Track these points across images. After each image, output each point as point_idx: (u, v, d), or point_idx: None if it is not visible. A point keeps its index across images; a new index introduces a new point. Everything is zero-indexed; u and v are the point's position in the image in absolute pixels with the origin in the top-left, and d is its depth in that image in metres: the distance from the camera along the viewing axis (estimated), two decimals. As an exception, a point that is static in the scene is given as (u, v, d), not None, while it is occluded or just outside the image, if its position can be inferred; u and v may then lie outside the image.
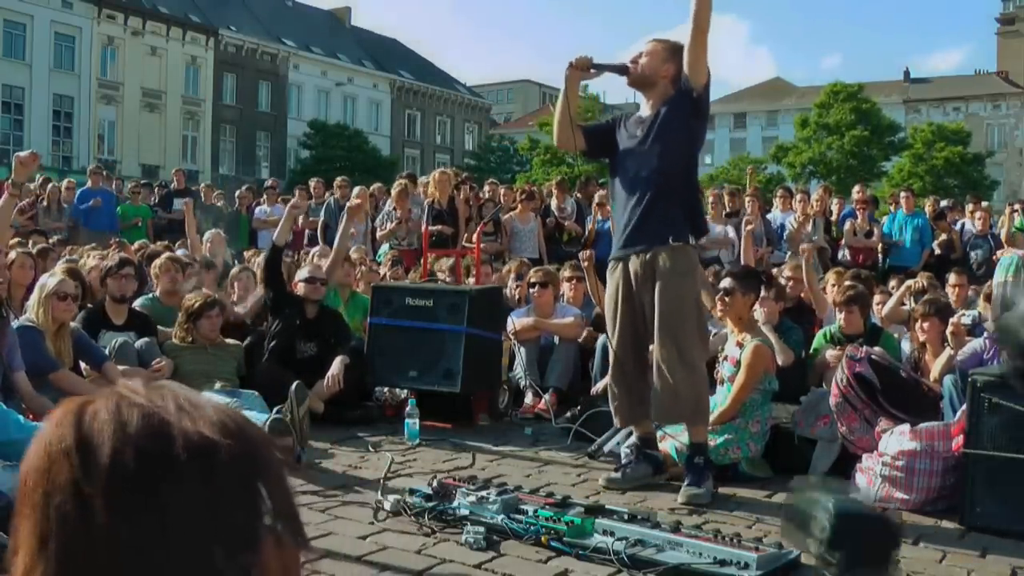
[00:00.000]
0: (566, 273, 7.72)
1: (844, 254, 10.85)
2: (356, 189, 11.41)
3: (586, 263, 6.73)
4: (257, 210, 13.08)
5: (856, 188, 12.49)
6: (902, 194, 12.26)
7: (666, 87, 4.63)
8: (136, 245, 9.37)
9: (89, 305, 6.28)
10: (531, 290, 7.22)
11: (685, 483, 4.51)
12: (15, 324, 4.99)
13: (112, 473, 0.69)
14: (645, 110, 4.75)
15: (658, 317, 4.52)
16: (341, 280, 7.28)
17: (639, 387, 4.72)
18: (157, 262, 7.04)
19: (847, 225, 11.22)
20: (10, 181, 4.76)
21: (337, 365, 6.07)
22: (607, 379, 4.96)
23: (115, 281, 6.16)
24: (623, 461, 4.85)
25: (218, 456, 0.72)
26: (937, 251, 11.25)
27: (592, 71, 4.75)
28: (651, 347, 4.67)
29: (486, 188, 13.11)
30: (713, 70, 4.56)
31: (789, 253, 9.04)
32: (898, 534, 0.97)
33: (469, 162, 50.81)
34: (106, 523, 0.68)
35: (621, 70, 4.72)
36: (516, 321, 6.98)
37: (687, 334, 4.53)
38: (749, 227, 7.98)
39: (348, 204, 8.09)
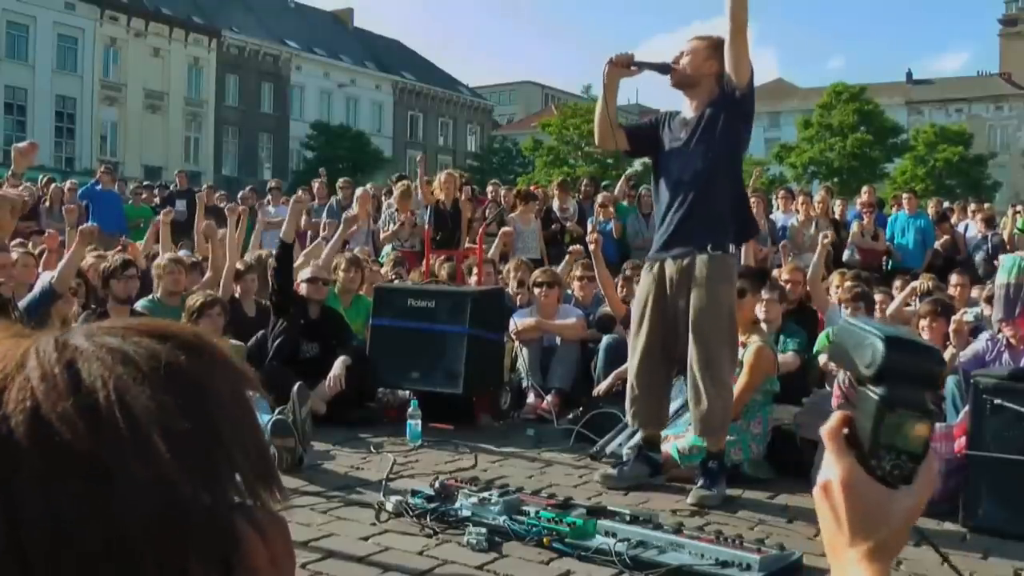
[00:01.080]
0: (577, 272, 7.71)
1: (853, 254, 10.84)
2: (358, 192, 11.42)
3: (593, 246, 6.72)
4: (261, 211, 13.07)
5: (864, 190, 12.50)
6: (904, 196, 12.28)
7: (711, 86, 4.54)
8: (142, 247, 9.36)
9: (92, 307, 6.30)
10: (535, 290, 7.24)
11: (697, 484, 4.51)
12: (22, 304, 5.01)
13: (37, 492, 0.56)
14: (689, 111, 4.65)
15: (692, 326, 4.45)
16: (346, 285, 7.29)
17: (660, 390, 4.71)
18: (159, 263, 7.03)
19: (854, 227, 11.22)
20: (11, 172, 4.76)
21: (338, 366, 6.07)
22: (629, 378, 4.84)
23: (118, 283, 6.18)
24: (623, 461, 4.85)
25: (161, 455, 0.57)
26: (940, 250, 11.25)
27: (633, 68, 4.62)
28: (680, 353, 4.64)
29: (489, 189, 13.11)
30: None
31: (792, 256, 9.02)
32: (943, 365, 0.99)
33: (471, 163, 50.83)
34: (37, 553, 0.55)
35: (663, 69, 4.60)
36: (518, 322, 6.98)
37: (719, 346, 4.47)
38: None
39: (345, 215, 8.09)
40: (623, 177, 13.54)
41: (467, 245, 9.87)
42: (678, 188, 4.57)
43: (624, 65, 4.59)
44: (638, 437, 4.87)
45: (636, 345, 4.72)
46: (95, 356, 0.60)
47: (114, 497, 0.56)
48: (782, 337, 5.88)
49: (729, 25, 4.35)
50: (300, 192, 9.83)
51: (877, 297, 7.03)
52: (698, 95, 4.59)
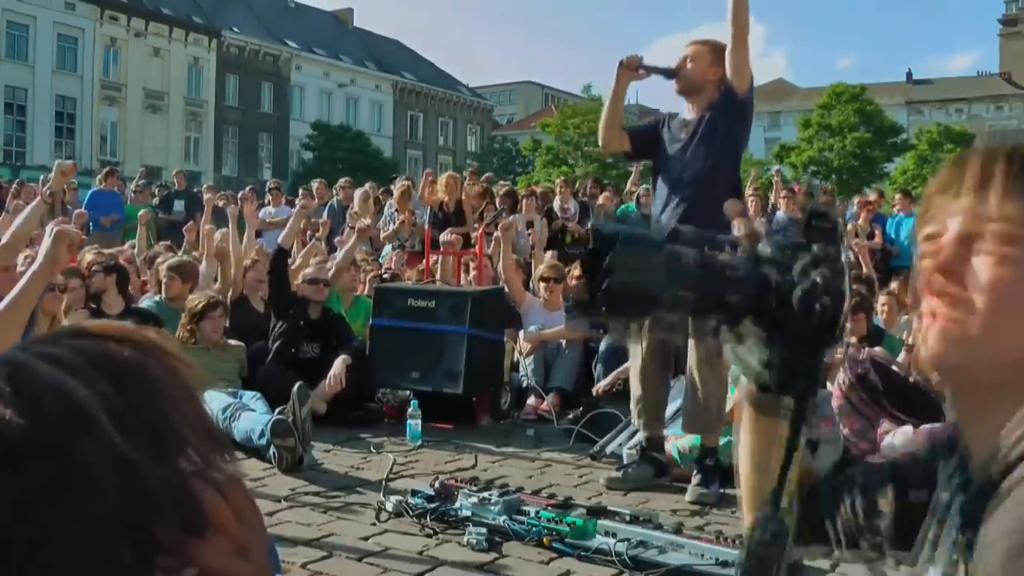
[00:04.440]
0: (576, 272, 7.75)
1: (847, 255, 10.87)
2: (357, 194, 11.40)
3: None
4: (261, 211, 13.04)
5: (871, 193, 12.54)
6: (897, 196, 12.37)
7: (712, 90, 4.61)
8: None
9: (92, 306, 6.31)
10: (540, 285, 7.30)
11: (694, 482, 4.52)
12: None
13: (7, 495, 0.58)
14: (689, 113, 4.73)
15: (692, 323, 4.49)
16: (347, 285, 7.28)
17: (661, 390, 4.75)
18: (164, 268, 7.00)
19: (848, 227, 11.24)
20: (48, 191, 4.82)
21: (338, 365, 6.07)
22: (632, 381, 4.89)
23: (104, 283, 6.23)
24: (626, 462, 4.85)
25: (111, 436, 0.60)
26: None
27: (641, 72, 4.70)
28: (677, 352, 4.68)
29: (497, 191, 13.06)
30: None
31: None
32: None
33: (471, 163, 50.82)
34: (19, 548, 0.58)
35: (669, 74, 4.69)
36: (521, 339, 7.01)
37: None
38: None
39: (358, 225, 8.06)
40: (635, 170, 13.42)
41: (450, 231, 9.78)
42: (677, 188, 4.64)
43: (633, 68, 4.66)
44: (638, 437, 4.87)
45: (637, 347, 4.76)
46: (29, 363, 0.63)
47: (78, 486, 0.59)
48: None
49: (731, 32, 4.44)
50: (304, 195, 9.80)
51: (882, 299, 7.01)
52: (700, 99, 4.66)
